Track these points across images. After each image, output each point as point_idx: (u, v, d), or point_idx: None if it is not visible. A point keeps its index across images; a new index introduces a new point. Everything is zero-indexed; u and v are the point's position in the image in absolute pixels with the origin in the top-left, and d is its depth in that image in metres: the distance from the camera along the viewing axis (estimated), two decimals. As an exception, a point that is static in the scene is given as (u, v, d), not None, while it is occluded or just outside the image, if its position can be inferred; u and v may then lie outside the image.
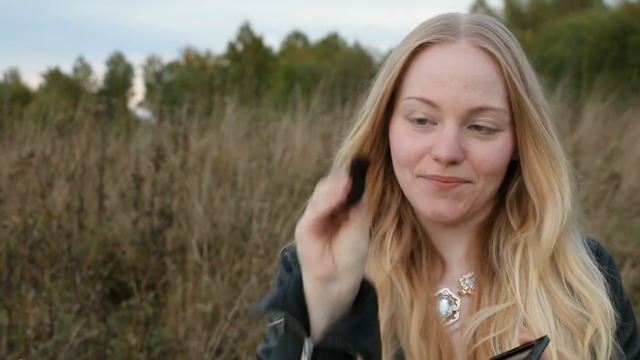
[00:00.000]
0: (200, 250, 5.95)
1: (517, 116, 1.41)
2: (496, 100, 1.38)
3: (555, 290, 1.41)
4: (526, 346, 1.22)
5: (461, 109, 1.37)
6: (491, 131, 1.39)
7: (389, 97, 1.44)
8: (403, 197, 1.50)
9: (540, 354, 1.18)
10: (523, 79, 1.41)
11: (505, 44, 1.41)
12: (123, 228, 6.41)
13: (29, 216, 4.88)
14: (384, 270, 1.45)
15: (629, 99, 11.48)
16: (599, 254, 1.50)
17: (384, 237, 1.48)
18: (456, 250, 1.49)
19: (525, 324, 1.39)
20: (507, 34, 1.44)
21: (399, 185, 1.49)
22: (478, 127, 1.39)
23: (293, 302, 1.18)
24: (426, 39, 1.41)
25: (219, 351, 4.73)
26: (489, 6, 46.88)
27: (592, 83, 10.90)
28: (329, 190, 1.18)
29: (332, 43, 50.75)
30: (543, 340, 1.20)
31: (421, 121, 1.40)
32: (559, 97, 9.96)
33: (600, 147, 9.54)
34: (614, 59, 25.41)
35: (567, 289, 1.42)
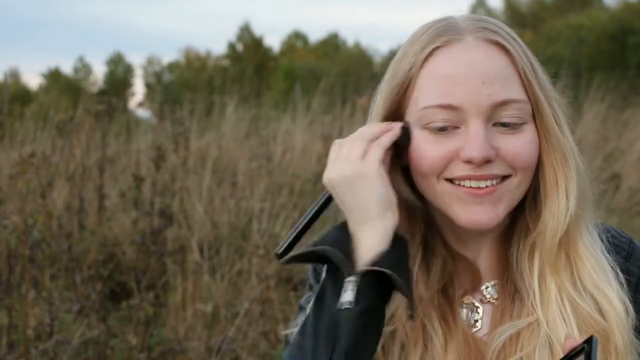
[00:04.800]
0: (201, 250, 5.95)
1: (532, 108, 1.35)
2: (517, 92, 1.32)
3: (575, 299, 1.34)
4: (577, 350, 1.18)
5: (484, 106, 1.30)
6: (517, 125, 1.32)
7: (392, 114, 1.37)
8: (425, 223, 1.41)
9: (596, 353, 1.15)
10: (534, 70, 1.35)
11: (511, 36, 1.36)
12: (123, 228, 6.41)
13: (29, 216, 4.88)
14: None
15: (628, 98, 11.47)
16: (629, 254, 1.41)
17: (411, 270, 1.35)
18: (481, 257, 1.42)
19: (549, 341, 1.33)
20: (509, 28, 1.39)
21: (421, 210, 1.41)
22: (504, 124, 1.32)
23: (337, 241, 1.28)
24: (433, 45, 1.33)
25: (219, 351, 4.73)
26: (489, 6, 46.86)
27: (591, 83, 10.89)
28: (384, 128, 1.33)
29: (332, 43, 50.69)
30: (592, 341, 1.15)
31: (442, 129, 1.32)
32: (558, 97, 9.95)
33: (600, 147, 9.53)
34: (614, 59, 25.41)
35: (584, 294, 1.35)
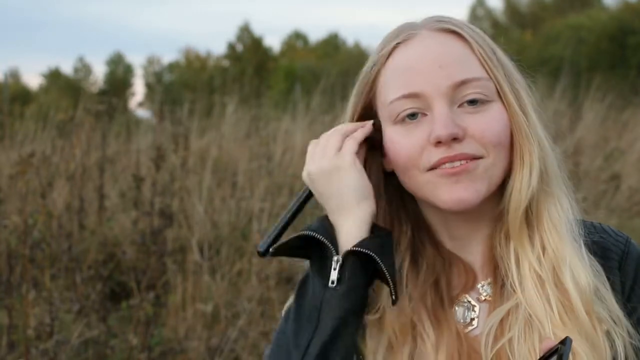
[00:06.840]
0: (201, 250, 5.96)
1: None
2: (476, 71, 1.37)
3: (541, 275, 1.36)
4: (552, 351, 1.19)
5: (444, 88, 1.35)
6: (482, 102, 1.36)
7: (362, 114, 1.44)
8: (413, 228, 1.45)
9: (568, 354, 1.17)
10: (494, 52, 1.40)
11: (467, 25, 1.41)
12: (123, 228, 6.42)
13: (29, 216, 4.89)
14: (402, 311, 1.38)
15: (628, 98, 11.48)
16: (626, 253, 1.41)
17: (399, 271, 1.39)
18: (476, 255, 1.43)
19: (530, 319, 1.34)
20: (467, 22, 1.44)
21: (407, 216, 1.45)
22: (470, 102, 1.36)
23: (321, 229, 1.34)
24: (393, 42, 1.40)
25: (219, 351, 4.74)
26: (488, 6, 46.83)
27: (591, 83, 10.90)
28: (358, 125, 1.41)
29: (332, 43, 50.65)
30: (567, 342, 1.18)
31: (411, 116, 1.37)
32: (558, 97, 9.97)
33: (600, 147, 9.55)
34: (614, 59, 25.41)
35: (547, 269, 1.36)
